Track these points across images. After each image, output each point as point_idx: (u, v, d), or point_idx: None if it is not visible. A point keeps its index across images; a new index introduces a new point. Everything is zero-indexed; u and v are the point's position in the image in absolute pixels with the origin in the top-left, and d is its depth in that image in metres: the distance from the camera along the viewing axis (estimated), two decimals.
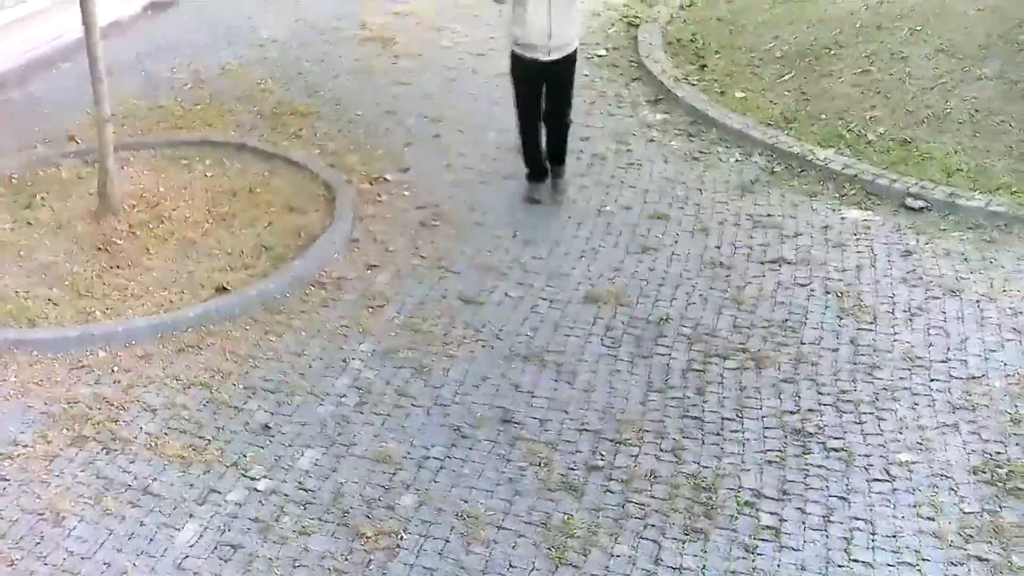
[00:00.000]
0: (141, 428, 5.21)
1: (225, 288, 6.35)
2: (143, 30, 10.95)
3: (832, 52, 9.54)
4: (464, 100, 9.15)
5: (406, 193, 7.59)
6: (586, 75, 9.78)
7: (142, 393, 5.46)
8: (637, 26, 10.83)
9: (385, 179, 7.77)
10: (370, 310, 6.22)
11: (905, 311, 6.16)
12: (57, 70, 9.72)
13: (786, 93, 9.04)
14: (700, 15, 11.11)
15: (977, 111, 8.29)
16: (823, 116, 8.56)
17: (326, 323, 6.10)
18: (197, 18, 11.28)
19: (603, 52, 10.32)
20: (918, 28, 9.62)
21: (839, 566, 4.46)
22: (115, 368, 5.67)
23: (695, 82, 9.38)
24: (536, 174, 7.57)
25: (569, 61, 7.18)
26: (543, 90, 7.21)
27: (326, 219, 7.14)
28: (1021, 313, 6.11)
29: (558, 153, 7.56)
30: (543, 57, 7.01)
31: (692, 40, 10.36)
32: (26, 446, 5.07)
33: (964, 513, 4.72)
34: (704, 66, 9.72)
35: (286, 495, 4.82)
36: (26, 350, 5.77)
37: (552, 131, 7.44)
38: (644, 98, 9.26)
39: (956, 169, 7.63)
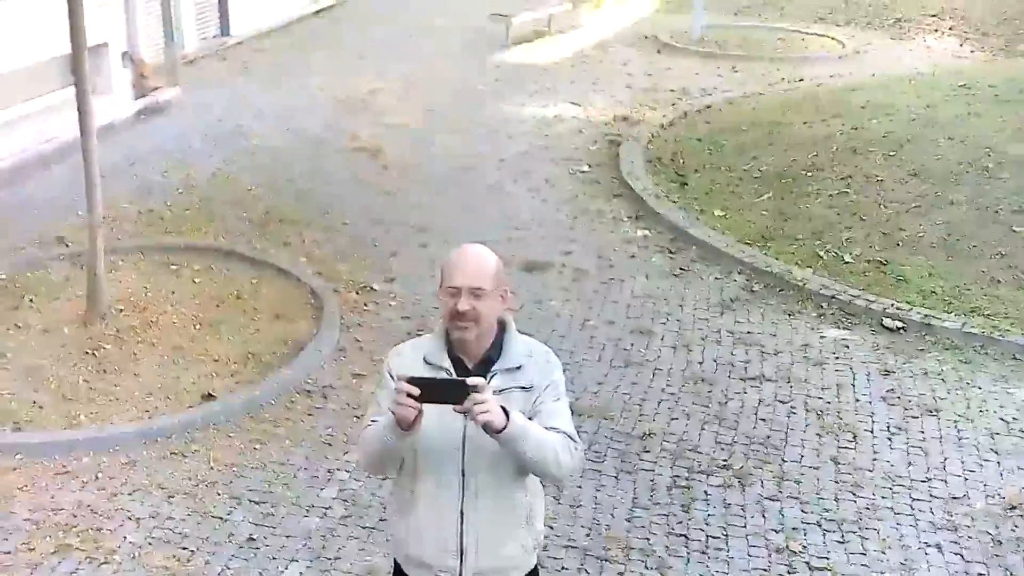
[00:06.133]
0: (125, 538, 5.15)
1: (211, 395, 6.37)
2: (136, 134, 11.16)
3: (809, 174, 9.85)
4: (452, 210, 9.32)
5: (392, 303, 7.68)
6: (569, 189, 10.02)
7: (127, 501, 5.43)
8: (619, 144, 11.15)
9: (372, 288, 7.88)
10: (356, 419, 6.23)
11: (885, 430, 6.25)
12: (49, 172, 9.86)
13: (764, 213, 9.28)
14: (680, 135, 11.46)
15: (950, 234, 8.54)
16: (800, 236, 8.78)
17: (312, 432, 6.11)
18: (189, 124, 11.53)
19: (586, 168, 10.60)
20: (892, 153, 9.97)
21: None
22: (100, 475, 5.63)
23: (675, 200, 9.62)
24: None
25: None
26: None
27: (313, 327, 7.20)
28: (998, 434, 6.22)
29: None
30: None
31: (672, 159, 10.66)
32: (8, 553, 5.01)
33: None
34: (684, 184, 9.99)
35: None
36: (11, 454, 5.74)
37: None
38: (626, 214, 9.48)
39: (931, 291, 7.83)
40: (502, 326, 3.31)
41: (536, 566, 3.50)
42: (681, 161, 10.60)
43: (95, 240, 7.03)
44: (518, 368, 3.26)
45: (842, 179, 9.62)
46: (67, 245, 8.33)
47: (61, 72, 9.89)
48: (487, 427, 3.03)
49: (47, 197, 9.28)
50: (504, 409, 3.05)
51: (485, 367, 3.23)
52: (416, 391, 2.99)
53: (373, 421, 3.28)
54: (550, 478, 3.31)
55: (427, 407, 3.04)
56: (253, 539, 5.20)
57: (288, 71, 14.01)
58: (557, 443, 3.18)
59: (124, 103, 11.58)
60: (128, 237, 8.55)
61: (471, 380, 3.03)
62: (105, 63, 11.16)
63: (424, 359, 3.28)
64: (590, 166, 10.67)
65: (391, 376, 3.25)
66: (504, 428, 3.03)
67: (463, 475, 3.23)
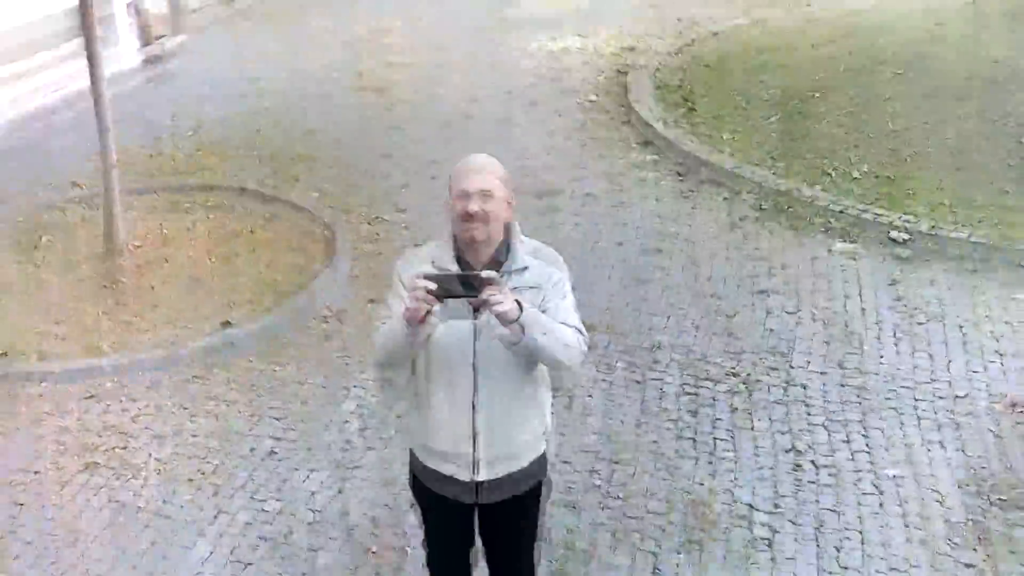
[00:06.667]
0: (151, 454, 5.34)
1: (229, 323, 6.51)
2: (143, 82, 11.24)
3: (817, 95, 9.83)
4: (460, 143, 9.34)
5: (404, 231, 7.78)
6: (577, 119, 10.06)
7: (151, 421, 5.61)
8: (626, 74, 11.13)
9: (383, 219, 7.98)
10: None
11: (891, 336, 6.34)
12: (57, 120, 9.97)
13: (772, 134, 9.29)
14: (687, 62, 11.42)
15: (958, 149, 8.54)
16: (809, 155, 8.80)
17: (328, 354, 6.25)
18: (195, 70, 11.60)
19: (593, 98, 10.61)
20: (899, 72, 9.93)
21: (830, 573, 4.59)
22: (123, 398, 5.81)
23: (684, 125, 9.64)
24: None
25: (524, 495, 3.62)
26: (474, 542, 3.79)
27: (327, 257, 7.32)
28: (1003, 337, 6.30)
29: None
30: (465, 478, 3.50)
31: (680, 86, 10.65)
32: (38, 472, 5.20)
33: (951, 523, 4.86)
34: (692, 109, 10.00)
35: (293, 515, 4.94)
36: (36, 381, 5.92)
37: None
38: (634, 140, 9.51)
39: (939, 203, 7.86)
40: (508, 231, 3.41)
41: (544, 452, 3.65)
42: (689, 87, 10.58)
43: (109, 178, 7.15)
44: (525, 269, 3.39)
45: (850, 98, 9.61)
46: (81, 188, 8.45)
47: (67, 24, 9.95)
48: (502, 317, 3.16)
49: (58, 146, 9.39)
50: (517, 301, 3.18)
51: (493, 269, 3.32)
52: (433, 286, 3.11)
53: (384, 323, 3.39)
54: (560, 367, 3.42)
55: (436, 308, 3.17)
56: (275, 452, 5.37)
57: (291, 16, 14.00)
58: (566, 332, 3.35)
59: (130, 53, 11.66)
60: (141, 179, 8.64)
61: (485, 273, 3.18)
62: (110, 14, 11.22)
63: (432, 264, 3.37)
64: (598, 96, 10.68)
65: (402, 282, 3.36)
66: (518, 317, 3.16)
67: (474, 369, 3.36)
